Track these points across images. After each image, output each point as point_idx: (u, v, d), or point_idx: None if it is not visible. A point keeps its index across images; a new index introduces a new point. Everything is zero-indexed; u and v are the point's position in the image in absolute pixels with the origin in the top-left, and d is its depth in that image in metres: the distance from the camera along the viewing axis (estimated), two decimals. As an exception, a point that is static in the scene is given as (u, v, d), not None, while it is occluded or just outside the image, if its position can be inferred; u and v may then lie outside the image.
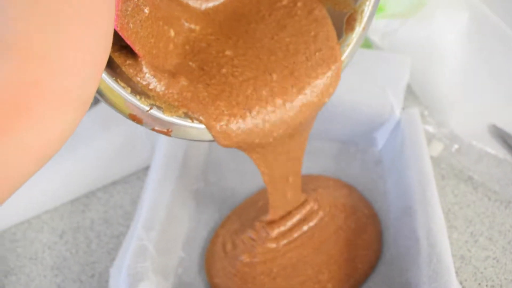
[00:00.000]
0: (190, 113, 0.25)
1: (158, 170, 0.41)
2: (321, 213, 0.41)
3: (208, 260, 0.41)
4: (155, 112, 0.24)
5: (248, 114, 0.26)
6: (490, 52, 0.57)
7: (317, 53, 0.28)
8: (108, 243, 0.43)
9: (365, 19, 0.28)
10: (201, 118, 0.26)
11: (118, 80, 0.22)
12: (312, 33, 0.28)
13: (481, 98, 0.55)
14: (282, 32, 0.29)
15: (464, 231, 0.43)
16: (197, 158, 0.46)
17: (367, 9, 0.28)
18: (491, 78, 0.56)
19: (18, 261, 0.42)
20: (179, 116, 0.25)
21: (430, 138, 0.49)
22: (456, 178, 0.47)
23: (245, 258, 0.40)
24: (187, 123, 0.25)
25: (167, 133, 0.25)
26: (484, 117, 0.53)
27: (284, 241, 0.40)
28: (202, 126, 0.26)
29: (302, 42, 0.28)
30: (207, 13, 0.29)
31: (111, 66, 0.23)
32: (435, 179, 0.40)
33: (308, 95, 0.28)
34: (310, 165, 0.48)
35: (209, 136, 0.26)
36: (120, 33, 0.21)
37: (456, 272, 0.40)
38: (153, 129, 0.25)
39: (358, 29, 0.28)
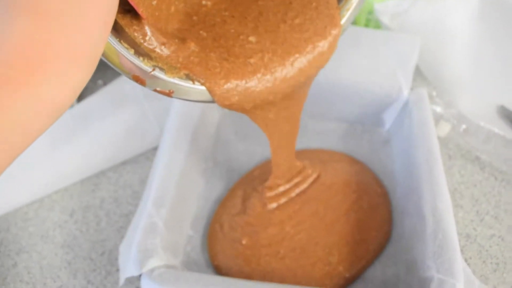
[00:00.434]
0: (192, 75, 0.26)
1: (166, 150, 0.41)
2: (320, 178, 0.42)
3: (210, 241, 0.41)
4: (157, 73, 0.25)
5: (250, 78, 0.27)
6: (500, 33, 0.57)
7: (318, 21, 0.29)
8: (118, 221, 0.44)
9: None
10: (203, 81, 0.26)
11: (122, 41, 0.23)
12: (314, 4, 0.29)
13: (490, 79, 0.55)
14: (290, 11, 0.29)
15: (470, 210, 0.43)
16: (205, 138, 0.46)
17: None
18: (500, 60, 0.56)
19: (30, 239, 0.43)
20: (181, 78, 0.26)
21: (438, 118, 0.49)
22: (463, 158, 0.47)
23: (246, 241, 0.40)
24: (188, 84, 0.26)
25: (168, 94, 0.26)
26: (493, 98, 0.53)
27: (282, 201, 0.41)
28: (203, 87, 0.27)
29: (306, 13, 0.29)
30: None
31: (116, 28, 0.23)
32: (442, 159, 0.40)
33: (307, 59, 0.29)
34: (318, 146, 0.48)
35: (209, 97, 0.27)
36: None
37: (462, 250, 0.40)
38: (155, 90, 0.26)
39: None
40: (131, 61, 0.24)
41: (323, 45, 0.29)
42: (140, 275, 0.34)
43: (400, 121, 0.46)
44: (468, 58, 0.56)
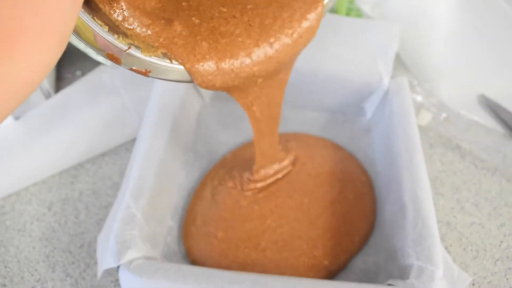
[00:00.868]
0: (170, 55, 0.26)
1: (145, 139, 0.40)
2: (306, 166, 0.42)
3: (184, 235, 0.41)
4: (133, 51, 0.24)
5: (231, 58, 0.27)
6: (481, 22, 0.57)
7: (301, 2, 0.28)
8: (97, 213, 0.43)
9: None
10: (182, 61, 0.26)
11: (95, 18, 0.23)
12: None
13: (471, 68, 0.55)
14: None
15: (451, 198, 0.43)
16: (186, 129, 0.45)
17: None
18: (481, 48, 0.56)
19: (7, 233, 0.42)
20: (157, 56, 0.25)
21: (418, 107, 0.49)
22: (444, 147, 0.47)
23: (222, 235, 0.39)
24: (165, 63, 0.26)
25: (145, 74, 0.25)
26: (474, 87, 0.53)
27: (260, 185, 0.41)
28: (181, 67, 0.26)
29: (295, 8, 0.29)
30: None
31: (89, 5, 0.23)
32: (423, 148, 0.40)
33: (289, 38, 0.28)
34: (299, 135, 0.48)
35: (187, 77, 0.27)
36: None
37: (442, 238, 0.40)
38: (131, 69, 0.25)
39: None
40: (105, 39, 0.23)
41: (305, 26, 0.28)
42: (118, 267, 0.33)
43: (381, 110, 0.46)
44: (449, 47, 0.56)
